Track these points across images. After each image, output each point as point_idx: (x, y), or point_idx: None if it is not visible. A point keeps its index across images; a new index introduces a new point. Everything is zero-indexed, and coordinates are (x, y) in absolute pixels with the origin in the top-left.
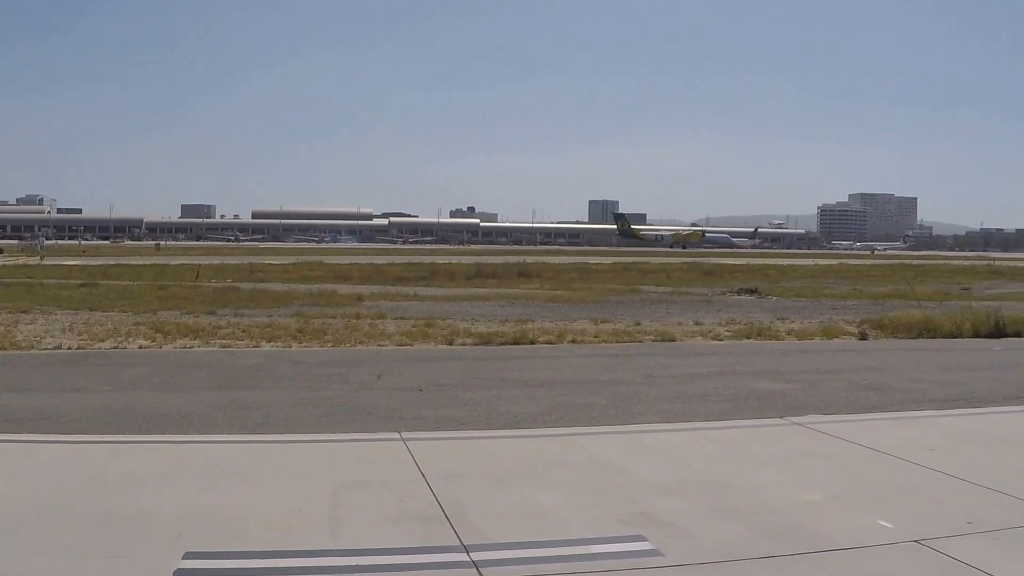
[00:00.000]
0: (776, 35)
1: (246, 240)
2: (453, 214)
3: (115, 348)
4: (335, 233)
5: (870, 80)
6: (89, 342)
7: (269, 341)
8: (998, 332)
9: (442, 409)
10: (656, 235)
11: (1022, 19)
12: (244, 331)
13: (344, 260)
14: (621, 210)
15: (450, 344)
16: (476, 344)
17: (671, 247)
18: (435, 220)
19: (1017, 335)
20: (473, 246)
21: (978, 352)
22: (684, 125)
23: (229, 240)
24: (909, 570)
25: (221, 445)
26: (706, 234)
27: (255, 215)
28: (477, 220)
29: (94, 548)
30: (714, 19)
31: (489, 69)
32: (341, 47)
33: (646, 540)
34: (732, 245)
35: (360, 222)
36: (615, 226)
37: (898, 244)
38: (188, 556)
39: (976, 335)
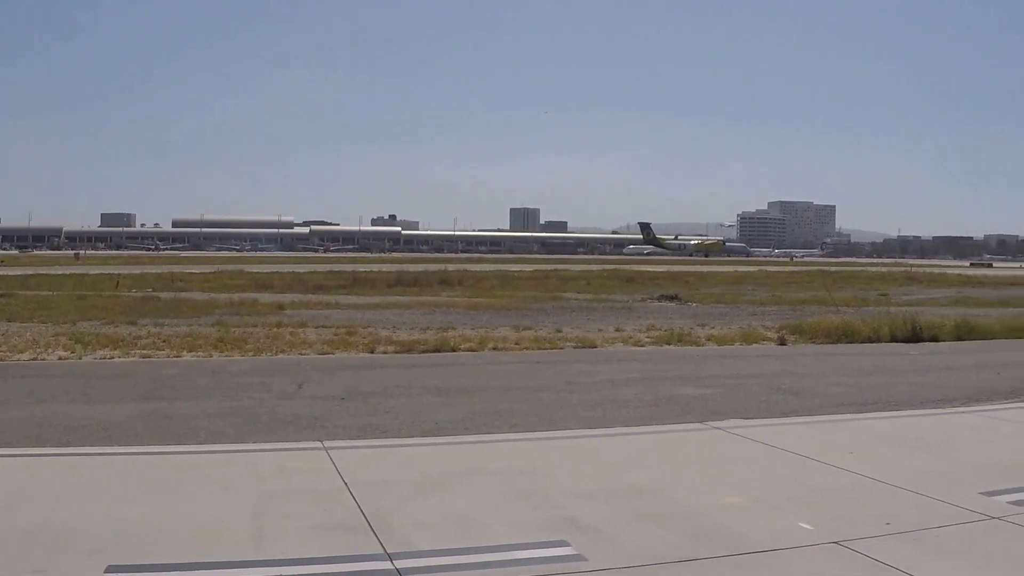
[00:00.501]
0: (694, 45)
1: (166, 249)
2: (374, 222)
3: (34, 360)
4: (256, 241)
5: (787, 89)
6: (8, 353)
7: (190, 351)
8: (915, 337)
9: (364, 417)
10: (680, 244)
11: (936, 29)
12: (165, 341)
13: (265, 268)
14: (542, 219)
15: (372, 352)
16: (398, 352)
17: (691, 255)
18: (356, 228)
19: (934, 339)
20: (394, 254)
21: (896, 356)
22: (605, 133)
23: (149, 249)
24: (830, 571)
25: (143, 457)
26: (726, 243)
27: (176, 224)
28: (398, 228)
29: (16, 565)
30: (633, 28)
31: (409, 77)
32: (259, 50)
33: (569, 545)
34: (749, 254)
35: (281, 230)
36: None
37: (815, 252)
38: (111, 570)
39: (894, 340)
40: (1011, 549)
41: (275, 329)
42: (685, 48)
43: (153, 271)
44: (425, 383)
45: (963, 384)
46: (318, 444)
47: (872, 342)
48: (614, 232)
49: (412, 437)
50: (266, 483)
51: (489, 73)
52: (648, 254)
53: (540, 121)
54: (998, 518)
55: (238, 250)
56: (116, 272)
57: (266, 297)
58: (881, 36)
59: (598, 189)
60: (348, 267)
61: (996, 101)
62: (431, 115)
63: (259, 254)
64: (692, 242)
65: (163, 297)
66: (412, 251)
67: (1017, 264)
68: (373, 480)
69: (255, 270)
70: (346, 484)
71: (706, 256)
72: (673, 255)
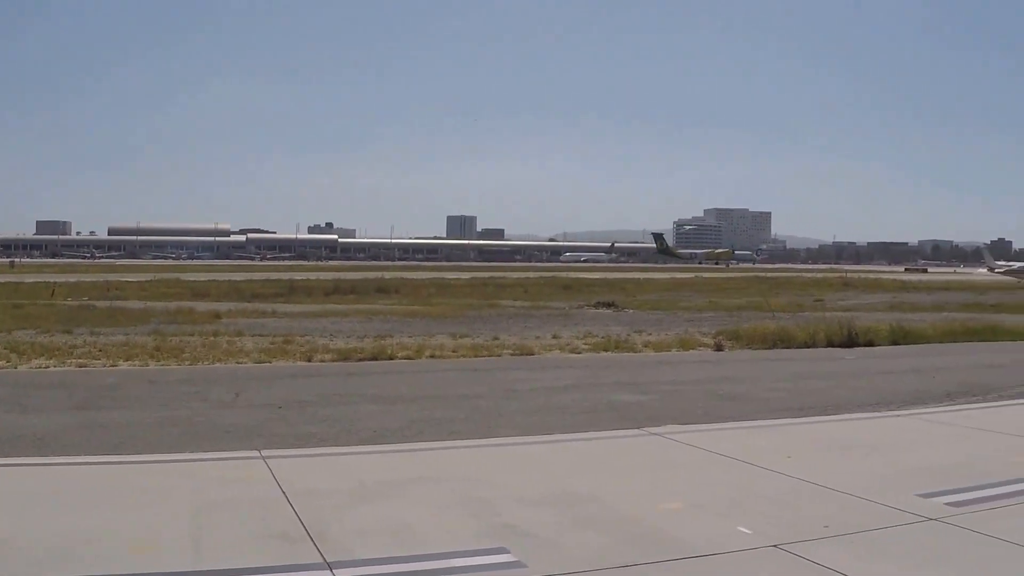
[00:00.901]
0: (629, 52)
1: (102, 257)
2: (311, 230)
3: None
4: (192, 250)
5: (724, 97)
6: None
7: (126, 360)
8: (850, 342)
9: (302, 426)
10: (691, 254)
11: (871, 35)
12: (101, 350)
13: (202, 277)
14: (479, 226)
15: (309, 361)
16: (335, 360)
17: (700, 263)
18: (293, 236)
19: (869, 344)
20: (331, 262)
21: (831, 361)
22: (541, 141)
23: (85, 257)
24: (769, 574)
25: (79, 467)
26: (735, 252)
27: (112, 231)
28: (335, 236)
29: None
30: (568, 35)
31: (346, 84)
32: (195, 58)
33: (508, 552)
34: (755, 261)
35: (217, 238)
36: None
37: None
38: None
39: (830, 345)
40: (948, 550)
41: (212, 338)
42: (620, 54)
43: (89, 279)
44: (363, 391)
45: (899, 388)
46: (256, 453)
47: (808, 347)
48: (551, 239)
49: (350, 445)
50: (204, 493)
51: (425, 80)
52: (585, 261)
53: (477, 128)
54: (935, 519)
55: (174, 258)
56: (52, 280)
57: (203, 306)
58: (817, 44)
59: (535, 196)
60: (285, 275)
61: (932, 109)
62: (368, 123)
63: (195, 262)
64: (702, 252)
65: (99, 306)
66: (349, 259)
67: (951, 269)
68: (311, 489)
69: (192, 278)
70: (284, 493)
71: (716, 263)
72: (685, 264)
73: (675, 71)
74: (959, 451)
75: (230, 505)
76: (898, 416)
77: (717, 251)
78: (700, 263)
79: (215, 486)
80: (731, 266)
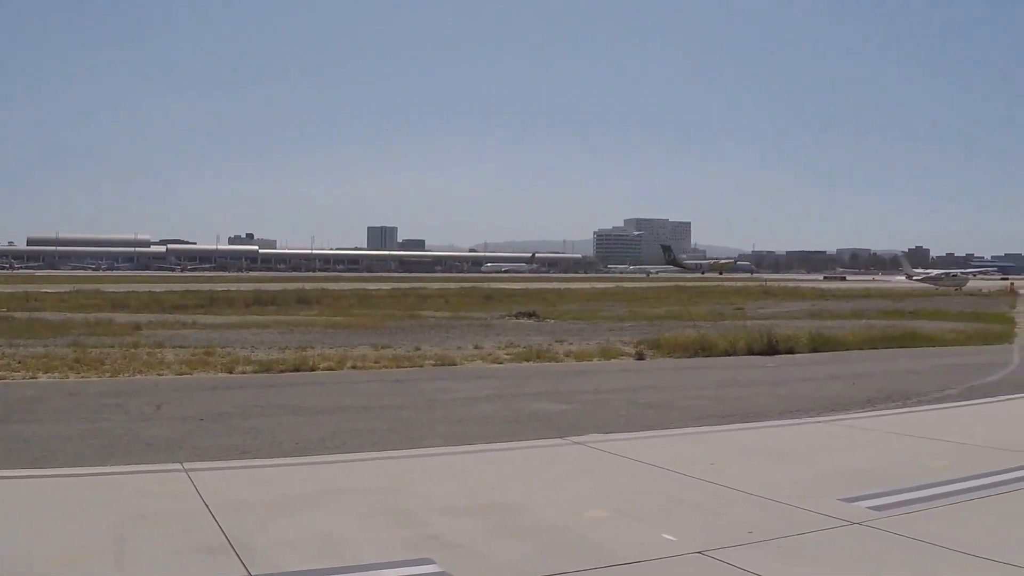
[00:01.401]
0: (547, 63)
1: (21, 268)
2: (232, 241)
3: None
4: (112, 260)
5: (643, 108)
6: None
7: (46, 372)
8: (771, 349)
9: (224, 438)
10: (696, 264)
11: (786, 44)
12: (20, 362)
13: (122, 288)
14: (400, 237)
15: (230, 372)
16: (256, 372)
17: (703, 273)
18: (214, 247)
19: (790, 352)
20: (252, 273)
21: (752, 369)
22: (462, 152)
23: (3, 268)
24: None
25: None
26: (737, 263)
27: (30, 242)
28: (256, 247)
29: None
30: (486, 45)
31: (265, 94)
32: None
33: (434, 563)
34: (753, 272)
35: (138, 249)
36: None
37: (670, 267)
38: None
39: (750, 353)
40: (870, 553)
41: (132, 350)
42: (539, 65)
43: (7, 290)
44: (285, 403)
45: (820, 395)
46: (178, 466)
47: (729, 355)
48: (472, 250)
49: (273, 457)
50: (127, 507)
51: (345, 90)
52: (506, 271)
53: (397, 139)
54: (858, 523)
55: (94, 269)
56: None
57: (123, 317)
58: (733, 53)
59: (456, 207)
60: (205, 286)
61: (848, 119)
62: (287, 132)
63: (115, 273)
64: (707, 263)
65: (18, 317)
66: (270, 270)
67: (870, 277)
68: (234, 501)
69: (112, 290)
70: (207, 506)
71: (720, 274)
72: (689, 273)
73: (595, 81)
74: (880, 456)
75: (153, 518)
76: (820, 422)
77: (721, 262)
78: (703, 273)
79: (138, 499)
80: (724, 274)
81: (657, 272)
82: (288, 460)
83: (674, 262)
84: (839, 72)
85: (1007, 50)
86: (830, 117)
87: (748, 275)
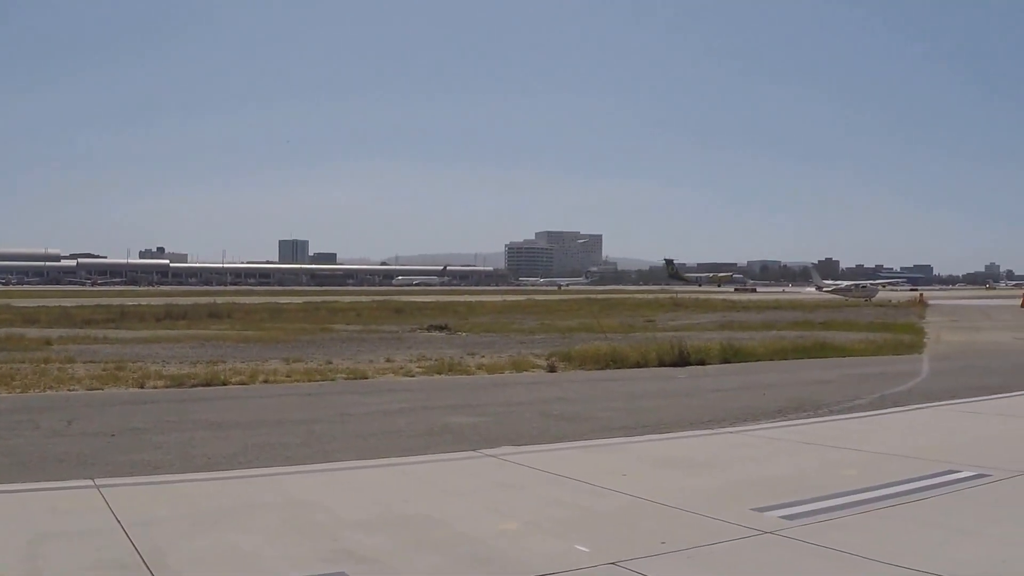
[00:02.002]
0: (461, 75)
1: None
2: (142, 255)
3: None
4: (22, 275)
5: (552, 121)
6: None
7: None
8: (683, 361)
9: (136, 454)
10: (696, 277)
11: (690, 60)
12: None
13: (32, 303)
14: (311, 250)
15: (141, 387)
16: (168, 387)
17: (700, 285)
18: (124, 261)
19: (701, 363)
20: (163, 287)
21: (664, 380)
22: (373, 164)
23: None
24: None
25: None
26: (732, 276)
27: None
28: (167, 261)
29: None
30: (398, 59)
31: (172, 106)
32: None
33: None
34: (746, 283)
35: (47, 263)
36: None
37: (581, 280)
38: None
39: (662, 364)
40: (783, 562)
41: (42, 365)
42: (451, 78)
43: None
44: (197, 417)
45: (731, 405)
46: (90, 483)
47: (641, 367)
48: (383, 263)
49: (185, 473)
50: (37, 525)
51: (253, 103)
52: (417, 284)
53: (307, 152)
54: (770, 532)
55: (3, 283)
56: None
57: (33, 332)
58: (642, 72)
59: (367, 220)
60: (116, 301)
61: (755, 132)
62: (197, 144)
63: (24, 287)
64: (707, 276)
65: None
66: (181, 284)
67: (780, 288)
68: (147, 518)
69: (21, 304)
70: (119, 523)
71: (719, 286)
72: (688, 286)
73: (505, 95)
74: (791, 465)
75: (64, 536)
76: (731, 432)
77: (720, 275)
78: (699, 285)
79: (48, 517)
80: (722, 287)
81: (567, 285)
82: (201, 475)
83: (676, 275)
84: (737, 93)
85: (893, 68)
86: (735, 136)
87: (743, 287)
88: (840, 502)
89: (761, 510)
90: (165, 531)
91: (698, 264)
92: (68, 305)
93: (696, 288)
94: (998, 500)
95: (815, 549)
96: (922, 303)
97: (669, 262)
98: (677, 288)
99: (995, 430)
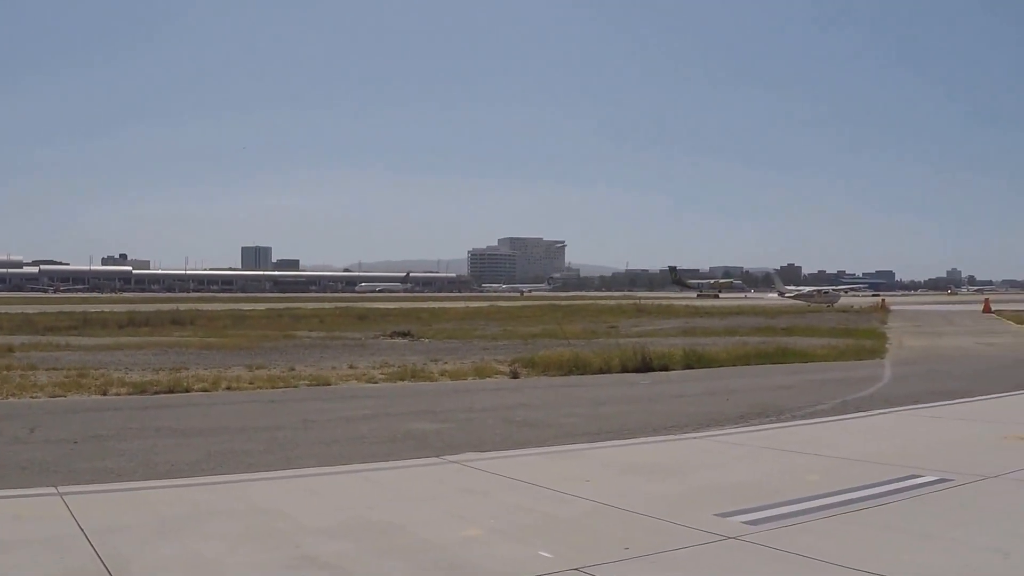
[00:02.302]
0: (423, 82)
1: None
2: (105, 261)
3: None
4: None
5: (515, 127)
6: None
7: None
8: (645, 367)
9: (98, 461)
10: (698, 284)
11: (652, 69)
12: None
13: None
14: (274, 257)
15: (104, 394)
16: (131, 394)
17: (700, 292)
18: (87, 268)
19: (664, 369)
20: (126, 294)
21: (626, 386)
22: (335, 171)
23: None
24: None
25: None
26: (733, 283)
27: None
28: (130, 268)
29: None
30: (357, 65)
31: (137, 112)
32: None
33: None
34: (744, 290)
35: (10, 270)
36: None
37: (543, 286)
38: None
39: (624, 370)
40: (745, 567)
41: (5, 372)
42: (413, 85)
43: None
44: (160, 425)
45: (694, 411)
46: (53, 490)
47: (604, 373)
48: (346, 270)
49: (148, 480)
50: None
51: (216, 110)
52: (380, 291)
53: (270, 159)
54: (733, 538)
55: None
56: None
57: None
58: (603, 75)
59: (330, 227)
60: (79, 308)
61: (718, 139)
62: (159, 151)
63: None
64: (708, 283)
65: None
66: (144, 291)
67: (743, 294)
68: (110, 525)
69: None
70: (82, 530)
71: (719, 292)
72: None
73: (468, 102)
74: (754, 471)
75: (26, 545)
76: (694, 438)
77: (721, 282)
78: (700, 292)
79: (10, 525)
80: (720, 296)
81: (530, 291)
82: (163, 483)
83: (679, 282)
84: (708, 100)
85: (854, 75)
86: (694, 143)
87: (740, 294)
88: (803, 507)
89: (724, 515)
90: (128, 539)
91: (661, 271)
92: (30, 312)
93: (320, 295)
94: (960, 504)
95: (777, 554)
96: (884, 308)
97: (673, 269)
98: (639, 295)
99: (956, 435)
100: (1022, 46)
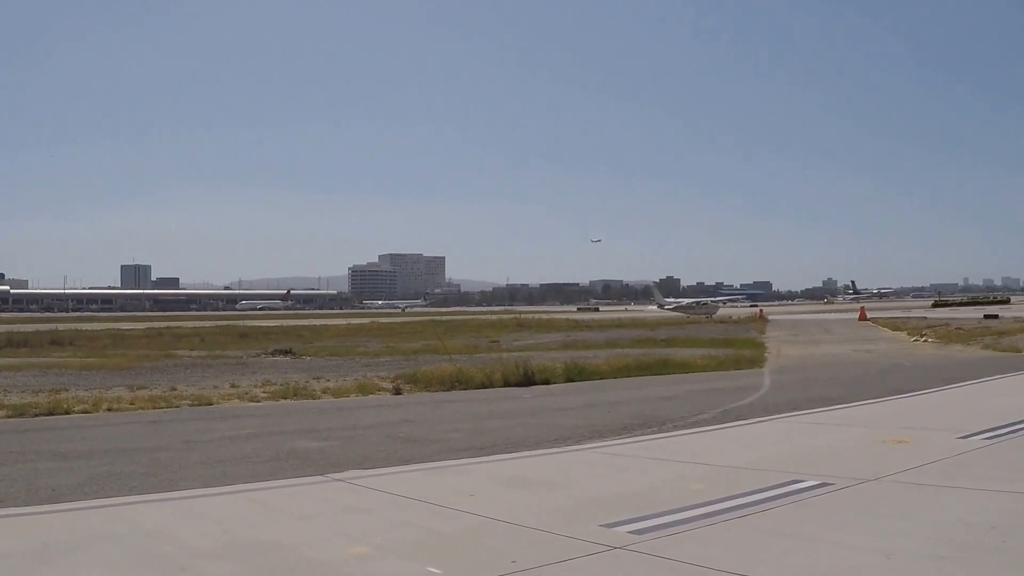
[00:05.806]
0: (297, 100)
1: None
2: None
3: None
4: None
5: (394, 143)
6: None
7: None
8: (528, 380)
9: None
10: (675, 302)
11: (538, 80)
12: None
13: None
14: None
15: None
16: (9, 416)
17: (579, 307)
18: None
19: (546, 382)
20: (2, 314)
21: (509, 400)
22: (213, 188)
23: None
24: None
25: None
26: (711, 301)
27: None
28: (7, 287)
29: None
30: (234, 83)
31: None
32: None
33: None
34: (726, 303)
35: None
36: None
37: (418, 302)
38: None
39: (507, 384)
40: None
41: None
42: (287, 103)
43: None
44: (39, 448)
45: (577, 423)
46: None
47: (486, 387)
48: (227, 287)
49: (29, 505)
50: None
51: (91, 129)
52: (261, 308)
53: (148, 178)
54: (619, 548)
55: None
56: None
57: None
58: (476, 91)
59: (209, 244)
60: None
61: (593, 152)
62: (35, 171)
63: None
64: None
65: None
66: (22, 311)
67: (622, 307)
68: None
69: None
70: None
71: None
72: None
73: (346, 120)
74: (639, 481)
75: None
76: (578, 450)
77: (702, 302)
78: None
79: None
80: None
81: (407, 307)
82: (45, 508)
83: (661, 305)
84: (583, 112)
85: (726, 84)
86: (577, 155)
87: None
88: (688, 515)
89: (610, 526)
90: (9, 567)
91: (541, 285)
92: None
93: (200, 313)
94: (841, 507)
95: (664, 562)
96: (762, 319)
97: (657, 286)
98: (520, 309)
99: (835, 440)
100: (888, 46)
